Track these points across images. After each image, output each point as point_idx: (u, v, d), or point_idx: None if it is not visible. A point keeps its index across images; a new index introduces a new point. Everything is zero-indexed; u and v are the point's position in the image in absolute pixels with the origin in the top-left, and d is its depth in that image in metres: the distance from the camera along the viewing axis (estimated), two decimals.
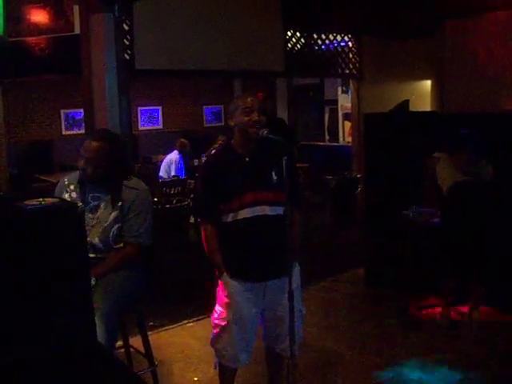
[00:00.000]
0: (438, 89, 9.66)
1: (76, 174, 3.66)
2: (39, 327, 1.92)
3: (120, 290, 3.48)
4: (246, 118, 3.28)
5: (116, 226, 3.53)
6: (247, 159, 3.38)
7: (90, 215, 3.49)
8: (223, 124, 15.25)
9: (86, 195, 3.56)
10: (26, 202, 2.16)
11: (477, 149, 5.09)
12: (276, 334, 3.57)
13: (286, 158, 3.01)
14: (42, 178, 10.10)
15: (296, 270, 3.41)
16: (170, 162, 9.63)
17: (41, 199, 2.19)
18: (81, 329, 2.05)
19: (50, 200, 2.26)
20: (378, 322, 5.31)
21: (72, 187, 3.62)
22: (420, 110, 8.71)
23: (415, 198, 5.58)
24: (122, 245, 3.56)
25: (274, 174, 3.34)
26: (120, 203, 3.52)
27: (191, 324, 5.40)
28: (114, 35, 6.14)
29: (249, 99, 3.33)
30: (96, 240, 3.48)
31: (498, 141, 5.25)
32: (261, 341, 3.69)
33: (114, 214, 3.53)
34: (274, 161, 3.32)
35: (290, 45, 8.06)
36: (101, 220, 3.52)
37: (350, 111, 10.44)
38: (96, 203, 3.55)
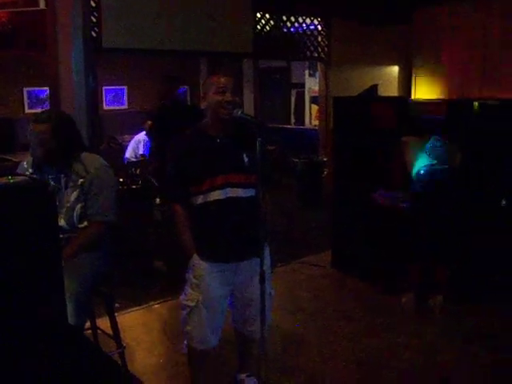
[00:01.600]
0: (405, 74, 9.74)
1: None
2: (10, 309, 1.87)
3: (89, 270, 3.46)
4: (219, 98, 3.22)
5: (79, 206, 3.48)
6: (218, 140, 3.34)
7: None
8: (189, 104, 15.12)
9: (45, 178, 3.49)
10: None
11: (445, 135, 5.14)
12: (245, 316, 3.57)
13: (259, 139, 2.97)
14: (5, 157, 9.89)
15: (266, 252, 3.40)
16: (138, 142, 9.54)
17: (9, 177, 2.13)
18: (53, 310, 2.01)
19: (18, 178, 2.20)
20: (343, 305, 5.35)
21: (31, 170, 3.56)
22: (387, 94, 8.78)
23: (381, 182, 5.62)
24: (85, 223, 3.52)
25: (245, 155, 3.32)
26: (80, 181, 3.47)
27: (157, 306, 5.37)
28: (81, 11, 6.02)
29: (222, 79, 3.27)
30: (62, 222, 3.42)
31: (465, 127, 5.29)
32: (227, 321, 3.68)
33: (75, 194, 3.48)
34: (245, 142, 3.29)
35: (258, 27, 8.01)
36: (63, 201, 3.46)
37: (317, 94, 10.46)
38: (56, 184, 3.49)
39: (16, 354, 1.86)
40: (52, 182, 3.47)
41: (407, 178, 5.21)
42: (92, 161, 3.56)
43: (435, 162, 5.08)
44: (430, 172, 5.04)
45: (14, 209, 1.92)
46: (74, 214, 3.47)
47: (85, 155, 3.57)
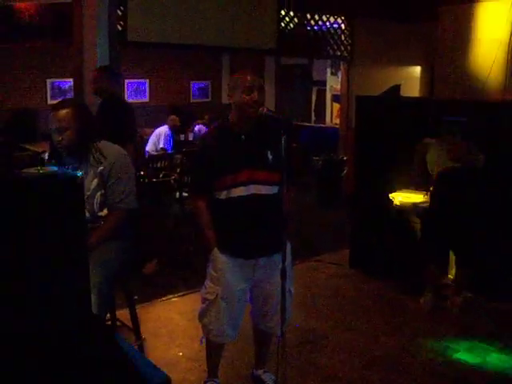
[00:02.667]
0: (428, 75, 9.68)
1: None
2: (37, 296, 1.90)
3: (113, 260, 3.48)
4: (247, 97, 3.23)
5: (99, 194, 3.52)
6: (243, 137, 3.35)
7: None
8: (210, 100, 15.16)
9: (65, 168, 3.53)
10: (24, 171, 2.13)
11: (468, 136, 5.11)
12: (264, 311, 3.58)
13: (285, 136, 2.99)
14: (27, 146, 10.00)
15: (288, 249, 3.41)
16: (159, 135, 9.61)
17: (38, 168, 2.16)
18: (78, 299, 2.03)
19: (47, 169, 2.24)
20: (361, 304, 5.35)
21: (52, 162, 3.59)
22: (409, 95, 8.74)
23: (403, 182, 5.61)
24: (105, 211, 3.56)
25: (269, 153, 3.33)
26: (100, 169, 3.50)
27: (176, 299, 5.40)
28: (107, 5, 6.06)
29: (249, 77, 3.27)
30: None
31: (487, 129, 5.27)
32: (248, 318, 3.70)
33: (95, 182, 3.51)
34: (270, 140, 3.31)
35: (282, 24, 8.02)
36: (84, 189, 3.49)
37: (338, 93, 10.44)
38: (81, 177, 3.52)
39: (40, 341, 1.89)
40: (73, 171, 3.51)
41: (429, 179, 5.19)
42: (111, 149, 3.60)
43: (457, 163, 5.05)
44: (452, 173, 5.02)
45: (42, 199, 1.95)
46: (95, 202, 3.51)
47: (103, 143, 3.60)
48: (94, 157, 3.52)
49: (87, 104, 5.75)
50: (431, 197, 5.17)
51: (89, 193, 3.49)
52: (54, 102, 12.22)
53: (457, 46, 8.70)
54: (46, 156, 3.67)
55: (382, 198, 5.64)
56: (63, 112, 3.44)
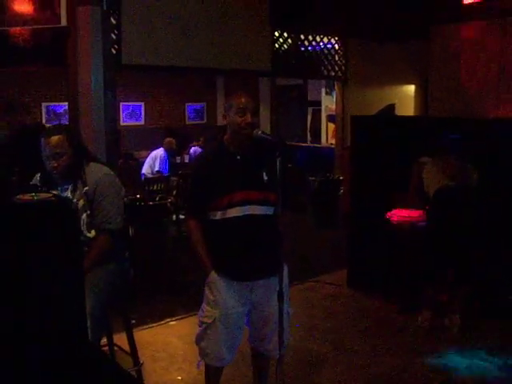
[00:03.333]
0: (422, 93, 9.74)
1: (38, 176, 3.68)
2: (32, 325, 1.88)
3: (103, 284, 3.46)
4: (240, 119, 3.25)
5: (85, 214, 3.51)
6: (238, 157, 3.36)
7: None
8: (205, 122, 15.20)
9: (58, 190, 3.54)
10: (19, 197, 2.12)
11: (463, 154, 5.12)
12: (262, 334, 3.55)
13: (279, 158, 2.99)
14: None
15: (285, 271, 3.39)
16: (154, 158, 9.60)
17: (33, 194, 2.16)
18: (74, 327, 2.02)
19: (42, 195, 2.23)
20: (359, 324, 5.32)
21: (39, 184, 3.61)
22: (403, 114, 8.78)
23: (398, 201, 5.61)
24: (93, 232, 3.54)
25: (264, 174, 3.33)
26: (85, 190, 3.51)
27: (173, 322, 5.37)
28: (101, 29, 6.09)
29: (243, 99, 3.29)
30: None
31: (482, 147, 5.28)
32: (246, 340, 3.67)
33: (81, 202, 3.51)
34: (265, 160, 3.32)
35: (277, 45, 8.07)
36: None
37: (333, 113, 10.48)
38: (65, 194, 3.53)
39: (34, 367, 1.87)
40: (62, 193, 3.52)
41: (425, 198, 5.19)
42: (96, 170, 3.61)
43: (452, 182, 5.06)
44: (447, 192, 5.02)
45: (38, 226, 1.94)
46: (82, 223, 3.50)
47: (91, 165, 3.62)
48: (81, 178, 3.53)
49: (81, 127, 5.79)
50: (428, 215, 5.18)
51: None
52: (49, 125, 12.36)
53: (449, 65, 8.76)
54: (38, 179, 3.67)
55: (380, 216, 5.64)
56: (56, 138, 3.46)
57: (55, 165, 3.46)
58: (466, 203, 5.02)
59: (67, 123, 4.52)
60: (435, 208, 5.09)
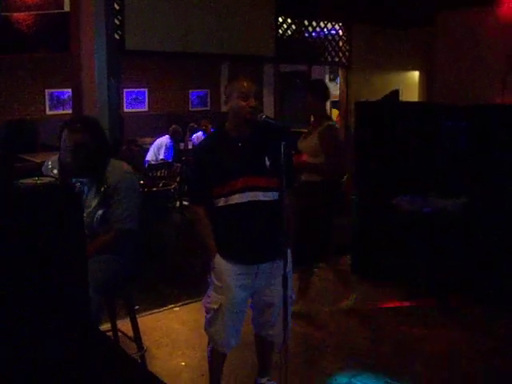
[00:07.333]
0: (426, 79, 9.68)
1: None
2: (36, 308, 1.88)
3: (103, 273, 3.42)
4: (243, 103, 3.22)
5: (100, 211, 3.48)
6: (240, 144, 3.34)
7: None
8: (209, 108, 15.16)
9: (70, 179, 3.49)
10: (22, 181, 2.11)
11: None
12: (265, 319, 3.55)
13: (284, 143, 2.97)
14: (26, 157, 9.97)
15: (288, 256, 3.38)
16: (159, 146, 9.58)
17: (36, 178, 2.15)
18: (77, 310, 2.02)
19: (45, 179, 2.22)
20: (362, 310, 5.32)
21: (55, 171, 3.55)
22: (408, 100, 8.73)
23: (404, 187, 5.59)
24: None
25: (267, 159, 3.31)
26: (103, 188, 3.47)
27: (177, 308, 5.37)
28: (104, 14, 6.05)
29: (245, 83, 3.26)
30: None
31: (490, 132, 5.26)
32: (250, 328, 3.67)
33: (96, 201, 3.48)
34: (268, 146, 3.29)
35: (280, 31, 8.02)
36: (85, 205, 3.46)
37: (337, 99, 10.43)
38: (80, 187, 3.49)
39: (38, 350, 1.87)
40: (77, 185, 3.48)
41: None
42: (116, 168, 3.55)
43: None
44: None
45: (41, 210, 1.93)
46: (95, 220, 3.47)
47: (111, 162, 3.56)
48: (100, 177, 3.50)
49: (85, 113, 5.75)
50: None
51: (89, 209, 3.46)
52: (53, 112, 12.35)
53: (453, 51, 8.70)
54: (50, 164, 3.63)
55: (384, 203, 5.63)
56: (82, 135, 3.40)
57: (72, 162, 3.43)
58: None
59: (92, 117, 4.40)
60: None
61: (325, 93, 5.03)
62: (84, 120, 3.76)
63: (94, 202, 3.47)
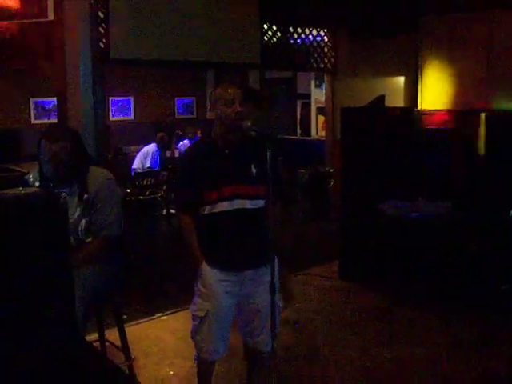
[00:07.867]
0: (411, 85, 9.72)
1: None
2: (20, 319, 1.87)
3: (90, 283, 3.39)
4: (229, 110, 3.22)
5: (83, 221, 3.46)
6: (227, 151, 3.33)
7: None
8: (195, 116, 15.14)
9: (52, 189, 3.47)
10: (7, 191, 2.10)
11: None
12: (251, 327, 3.52)
13: (270, 150, 2.97)
14: (11, 167, 9.91)
15: (275, 263, 3.37)
16: (146, 154, 9.55)
17: (21, 188, 2.14)
18: (63, 320, 2.00)
19: (30, 189, 2.21)
20: (351, 316, 5.33)
21: (37, 184, 3.53)
22: (394, 105, 8.76)
23: (391, 193, 5.61)
24: (91, 239, 3.50)
25: (253, 166, 3.31)
26: (85, 197, 3.45)
27: (165, 317, 5.35)
28: (89, 23, 6.04)
29: (230, 90, 3.26)
30: None
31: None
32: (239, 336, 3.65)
33: (79, 209, 3.46)
34: (254, 153, 3.29)
35: (266, 38, 8.04)
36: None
37: (323, 105, 10.46)
38: (65, 197, 3.46)
39: (23, 362, 1.86)
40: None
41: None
42: (97, 175, 3.54)
43: None
44: None
45: (25, 219, 1.92)
46: (79, 229, 3.45)
47: (91, 169, 3.55)
48: (79, 184, 3.48)
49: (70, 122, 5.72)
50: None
51: (72, 220, 3.42)
52: (38, 121, 12.27)
53: (437, 57, 8.75)
54: (31, 177, 3.61)
55: (371, 208, 5.64)
56: (60, 145, 3.36)
57: (51, 168, 3.41)
58: None
59: (70, 127, 4.35)
60: None
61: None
62: (61, 129, 3.76)
63: (77, 212, 3.45)
